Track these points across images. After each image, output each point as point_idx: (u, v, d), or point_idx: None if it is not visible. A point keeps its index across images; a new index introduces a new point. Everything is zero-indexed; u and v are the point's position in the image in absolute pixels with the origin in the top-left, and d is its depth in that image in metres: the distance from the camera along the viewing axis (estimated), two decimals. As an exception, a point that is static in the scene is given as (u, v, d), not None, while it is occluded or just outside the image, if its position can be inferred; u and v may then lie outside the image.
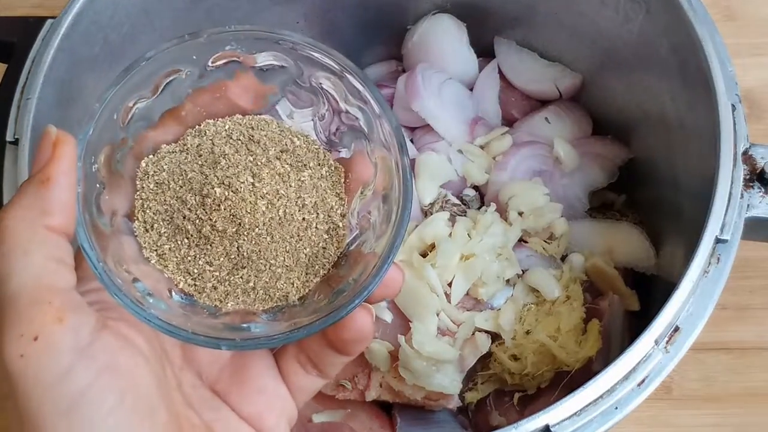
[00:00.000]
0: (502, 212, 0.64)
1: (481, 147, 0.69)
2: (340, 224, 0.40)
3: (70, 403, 0.30)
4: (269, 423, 0.38)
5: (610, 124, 0.71)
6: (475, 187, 0.68)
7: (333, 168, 0.41)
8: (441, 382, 0.56)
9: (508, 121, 0.73)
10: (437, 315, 0.58)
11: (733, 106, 0.51)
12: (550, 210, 0.64)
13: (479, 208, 0.66)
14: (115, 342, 0.33)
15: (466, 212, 0.65)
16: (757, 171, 0.50)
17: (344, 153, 0.42)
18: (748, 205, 0.50)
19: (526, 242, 0.65)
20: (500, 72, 0.73)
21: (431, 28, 0.71)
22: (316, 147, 0.41)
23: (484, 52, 0.73)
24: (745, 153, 0.51)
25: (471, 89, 0.73)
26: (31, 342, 0.30)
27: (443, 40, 0.71)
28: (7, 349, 0.30)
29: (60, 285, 0.31)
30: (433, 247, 0.61)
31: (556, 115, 0.71)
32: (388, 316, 0.58)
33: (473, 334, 0.58)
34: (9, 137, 0.52)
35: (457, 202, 0.66)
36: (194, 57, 0.39)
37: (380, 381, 0.58)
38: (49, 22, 0.55)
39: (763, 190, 0.50)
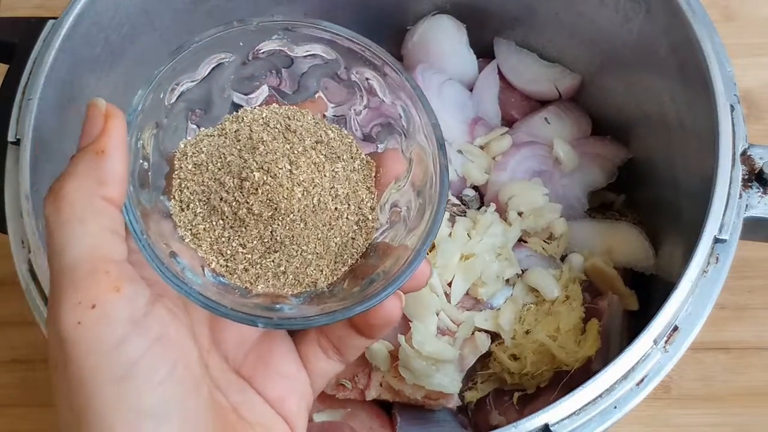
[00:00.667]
0: (502, 212, 0.64)
1: (481, 147, 0.69)
2: (370, 217, 0.41)
3: (123, 372, 0.30)
4: (291, 407, 0.39)
5: (610, 124, 0.71)
6: (475, 187, 0.68)
7: (365, 162, 0.42)
8: (441, 382, 0.56)
9: (508, 122, 0.73)
10: (437, 315, 0.58)
11: (731, 106, 0.52)
12: (550, 210, 0.64)
13: (479, 208, 0.66)
14: (167, 315, 0.33)
15: (465, 212, 0.65)
16: (756, 171, 0.51)
17: (379, 148, 0.43)
18: (746, 205, 0.50)
19: (525, 242, 0.65)
20: (500, 72, 0.73)
21: (431, 28, 0.71)
22: (349, 140, 0.42)
23: (484, 53, 0.74)
24: (743, 153, 0.51)
25: (470, 90, 0.73)
26: (88, 310, 0.30)
27: (443, 41, 0.71)
28: (63, 316, 0.30)
29: (115, 256, 0.32)
30: (433, 247, 0.61)
31: (556, 116, 0.71)
32: (388, 316, 0.58)
33: (473, 333, 0.58)
34: (11, 137, 0.52)
35: (457, 202, 0.66)
36: (241, 44, 0.40)
37: (380, 380, 0.59)
38: (50, 22, 0.55)
39: (761, 190, 0.50)
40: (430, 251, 0.61)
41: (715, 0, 0.85)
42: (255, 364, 0.39)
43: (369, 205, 0.41)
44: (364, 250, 0.41)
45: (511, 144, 0.69)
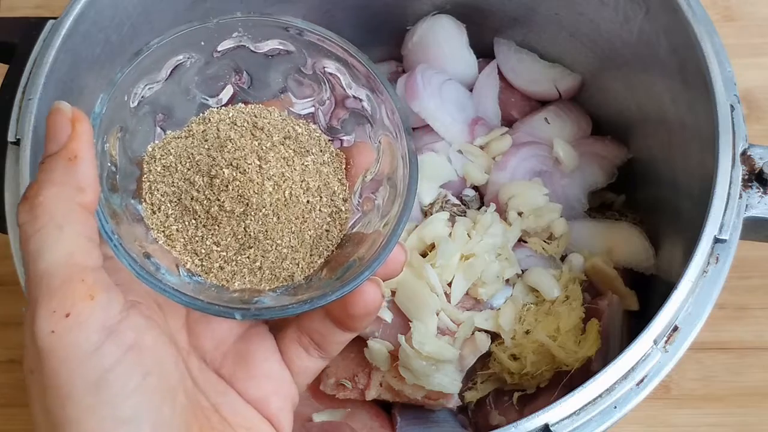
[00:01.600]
0: (502, 212, 0.64)
1: (481, 147, 0.69)
2: (343, 208, 0.41)
3: (97, 380, 0.31)
4: (275, 406, 0.39)
5: (610, 124, 0.71)
6: (475, 188, 0.68)
7: (334, 155, 0.42)
8: (441, 382, 0.56)
9: (508, 122, 0.73)
10: (437, 315, 0.58)
11: (731, 106, 0.52)
12: (550, 210, 0.64)
13: (479, 208, 0.66)
14: (143, 321, 0.33)
15: (465, 212, 0.65)
16: (756, 171, 0.51)
17: (346, 140, 0.43)
18: (746, 205, 0.50)
19: (525, 242, 0.65)
20: (500, 73, 0.73)
21: (431, 29, 0.71)
22: (318, 135, 0.42)
23: (484, 53, 0.74)
24: (743, 153, 0.51)
25: (470, 90, 0.73)
26: (62, 318, 0.30)
27: (443, 41, 0.71)
28: (38, 324, 0.30)
29: (90, 263, 0.32)
30: (433, 247, 0.61)
31: (556, 116, 0.71)
32: (388, 316, 0.58)
33: (473, 333, 0.58)
34: (11, 137, 0.52)
35: (457, 202, 0.66)
36: (202, 43, 0.40)
37: (380, 380, 0.59)
38: (50, 22, 0.55)
39: (761, 190, 0.50)
40: (430, 251, 0.61)
41: (715, 0, 0.85)
42: (235, 365, 0.39)
43: (341, 196, 0.41)
44: (339, 241, 0.41)
45: (511, 144, 0.69)
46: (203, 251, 0.38)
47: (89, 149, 0.33)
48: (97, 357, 0.31)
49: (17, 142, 0.52)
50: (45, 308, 0.30)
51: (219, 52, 0.41)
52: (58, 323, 0.30)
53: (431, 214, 0.64)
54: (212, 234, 0.38)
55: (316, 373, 0.41)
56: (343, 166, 0.42)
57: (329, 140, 0.43)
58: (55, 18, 0.55)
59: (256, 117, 0.41)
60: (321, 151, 0.42)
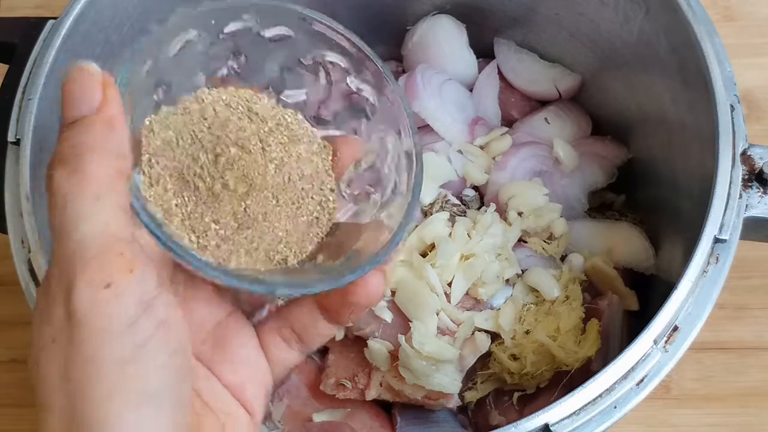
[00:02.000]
0: (502, 212, 0.64)
1: (481, 147, 0.69)
2: (330, 198, 0.42)
3: (129, 354, 0.30)
4: (250, 393, 0.39)
5: (610, 124, 0.71)
6: (475, 188, 0.68)
7: (322, 146, 0.42)
8: (441, 382, 0.56)
9: (508, 122, 0.73)
10: (437, 315, 0.58)
11: (731, 106, 0.52)
12: (550, 210, 0.64)
13: (479, 209, 0.66)
14: (173, 298, 0.33)
15: (465, 212, 0.65)
16: (756, 171, 0.51)
17: (333, 131, 0.44)
18: (746, 205, 0.50)
19: (525, 242, 0.65)
20: (500, 73, 0.73)
21: (431, 28, 0.71)
22: (306, 125, 0.42)
23: (484, 53, 0.74)
24: (743, 153, 0.51)
25: (470, 90, 0.73)
26: (101, 289, 0.30)
27: (443, 41, 0.71)
28: (76, 293, 0.30)
29: (125, 235, 0.31)
30: (433, 247, 0.61)
31: (556, 116, 0.71)
32: (388, 316, 0.58)
33: (473, 333, 0.58)
34: (11, 137, 0.52)
35: (457, 202, 0.66)
36: (213, 22, 0.40)
37: (380, 380, 0.59)
38: (50, 22, 0.55)
39: (761, 190, 0.50)
40: (430, 251, 0.61)
41: (715, 0, 0.85)
42: (213, 351, 0.39)
43: (329, 186, 0.42)
44: (328, 230, 0.41)
45: (511, 144, 0.69)
46: (201, 228, 0.38)
47: (123, 115, 0.32)
48: (131, 332, 0.30)
49: (17, 142, 0.52)
50: (84, 277, 0.30)
51: (225, 33, 0.40)
52: (96, 294, 0.29)
53: (431, 214, 0.64)
54: (212, 211, 0.38)
55: (292, 367, 0.41)
56: (330, 158, 0.42)
57: (315, 131, 0.43)
58: (55, 18, 0.55)
59: (249, 102, 0.41)
60: (310, 141, 0.42)
